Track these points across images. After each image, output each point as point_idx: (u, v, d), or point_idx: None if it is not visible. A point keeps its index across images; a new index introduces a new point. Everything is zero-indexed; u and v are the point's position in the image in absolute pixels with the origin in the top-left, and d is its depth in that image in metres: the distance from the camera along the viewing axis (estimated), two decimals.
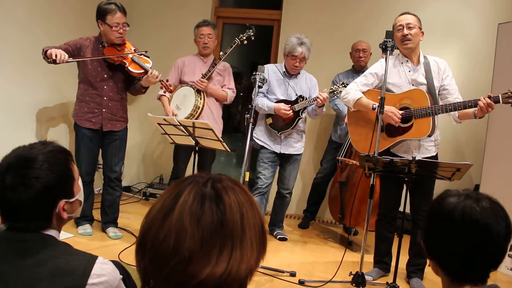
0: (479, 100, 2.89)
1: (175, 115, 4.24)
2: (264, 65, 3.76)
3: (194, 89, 4.33)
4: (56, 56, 3.34)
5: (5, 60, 3.77)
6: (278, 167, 4.32)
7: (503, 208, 1.23)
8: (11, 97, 3.87)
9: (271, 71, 4.18)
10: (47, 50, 3.41)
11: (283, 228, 4.49)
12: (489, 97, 2.88)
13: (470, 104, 2.96)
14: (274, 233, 4.36)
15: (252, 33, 4.18)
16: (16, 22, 3.85)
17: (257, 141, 4.18)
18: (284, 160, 4.24)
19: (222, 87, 4.46)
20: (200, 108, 4.27)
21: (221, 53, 4.35)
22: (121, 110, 3.86)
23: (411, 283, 3.35)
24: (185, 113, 4.27)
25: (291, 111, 4.02)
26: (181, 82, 4.48)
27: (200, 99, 4.28)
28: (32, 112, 4.12)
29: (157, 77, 3.68)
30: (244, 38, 4.21)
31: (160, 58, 5.50)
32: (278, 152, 4.16)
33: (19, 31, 3.89)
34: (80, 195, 1.47)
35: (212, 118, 4.34)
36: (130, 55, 3.69)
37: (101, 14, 3.61)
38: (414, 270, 3.38)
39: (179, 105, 4.37)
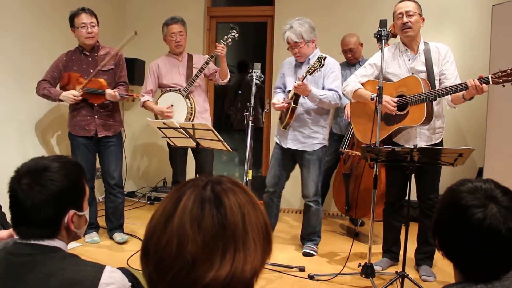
0: (467, 82, 2.88)
1: (170, 112, 4.18)
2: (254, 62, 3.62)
3: (182, 94, 4.22)
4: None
5: (0, 70, 3.80)
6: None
7: None
8: (7, 106, 3.89)
9: (287, 64, 3.92)
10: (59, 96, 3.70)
11: (316, 242, 3.87)
12: (480, 78, 2.86)
13: (461, 87, 2.94)
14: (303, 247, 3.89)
15: (235, 34, 4.06)
16: (10, 32, 3.87)
17: (274, 137, 3.99)
18: (299, 162, 3.85)
19: (210, 74, 4.38)
20: (194, 110, 4.23)
21: (208, 57, 4.24)
22: (114, 114, 3.89)
23: (420, 271, 3.34)
24: (180, 119, 4.14)
25: (281, 102, 3.72)
26: (161, 86, 4.36)
27: (190, 102, 4.23)
28: (28, 120, 4.16)
29: (115, 96, 3.69)
30: (230, 40, 4.10)
31: (153, 60, 5.53)
32: (285, 147, 3.79)
33: (13, 42, 3.90)
34: (87, 214, 1.49)
35: (200, 117, 4.30)
36: (84, 89, 3.69)
37: (71, 21, 3.72)
38: (423, 258, 3.38)
39: None
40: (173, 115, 4.22)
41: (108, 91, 3.67)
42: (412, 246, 3.28)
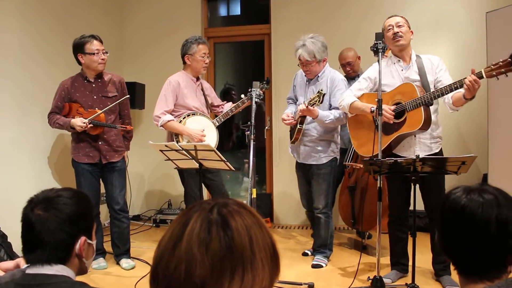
0: (465, 78, 2.87)
1: (204, 137, 3.88)
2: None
3: (214, 124, 3.99)
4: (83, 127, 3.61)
5: (5, 98, 3.88)
6: None
7: (507, 198, 1.20)
8: (12, 134, 3.94)
9: (299, 76, 3.97)
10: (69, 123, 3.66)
11: (325, 254, 3.89)
12: (473, 72, 2.86)
13: (456, 85, 2.94)
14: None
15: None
16: (12, 73, 3.95)
17: (289, 149, 4.04)
18: (310, 175, 3.89)
19: (218, 106, 4.29)
20: (217, 144, 4.02)
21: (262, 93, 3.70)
22: (117, 140, 3.89)
23: (443, 281, 3.29)
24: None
25: (290, 117, 3.80)
26: (179, 105, 3.97)
27: (218, 135, 4.02)
28: (34, 148, 4.20)
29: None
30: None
31: (154, 86, 5.56)
32: (300, 162, 3.92)
33: (15, 80, 3.98)
34: (94, 245, 1.51)
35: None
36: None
37: (79, 47, 3.70)
38: (443, 268, 3.32)
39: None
40: (205, 141, 3.90)
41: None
42: (420, 256, 3.25)
